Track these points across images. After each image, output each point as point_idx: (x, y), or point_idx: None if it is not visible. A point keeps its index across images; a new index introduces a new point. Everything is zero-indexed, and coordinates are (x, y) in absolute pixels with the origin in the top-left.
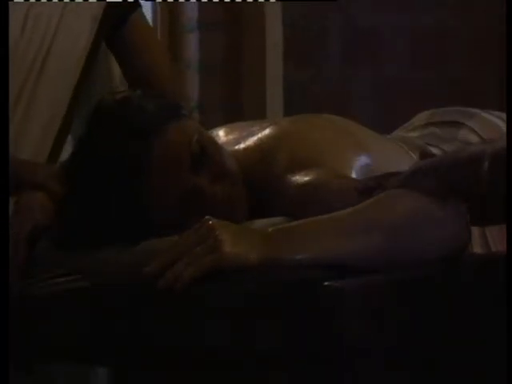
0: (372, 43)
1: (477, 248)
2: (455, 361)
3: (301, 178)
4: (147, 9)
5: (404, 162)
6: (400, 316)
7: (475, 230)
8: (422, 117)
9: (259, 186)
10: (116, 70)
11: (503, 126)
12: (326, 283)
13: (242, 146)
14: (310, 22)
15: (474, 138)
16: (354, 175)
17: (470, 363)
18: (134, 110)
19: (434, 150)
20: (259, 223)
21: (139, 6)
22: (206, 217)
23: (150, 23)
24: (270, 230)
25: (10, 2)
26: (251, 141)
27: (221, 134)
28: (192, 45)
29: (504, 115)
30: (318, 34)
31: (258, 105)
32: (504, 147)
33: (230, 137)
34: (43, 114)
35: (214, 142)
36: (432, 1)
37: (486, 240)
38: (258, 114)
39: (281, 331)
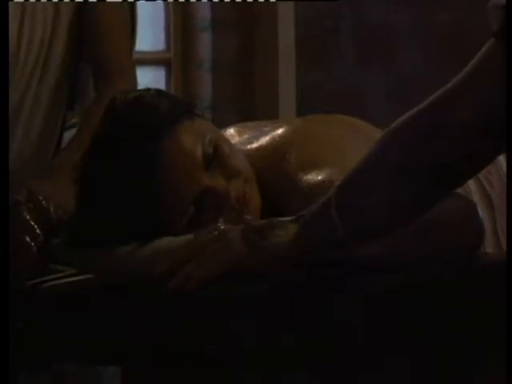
0: (385, 42)
1: (489, 247)
2: (463, 361)
3: (312, 178)
4: (160, 8)
5: None
6: (414, 315)
7: (488, 229)
8: None
9: (271, 186)
10: None
11: None
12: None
13: (253, 145)
14: (322, 22)
15: None
16: None
17: (477, 364)
18: (147, 110)
19: None
20: None
21: None
22: (220, 219)
23: (163, 22)
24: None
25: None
26: (263, 140)
27: (233, 134)
28: (205, 44)
29: None
30: (331, 34)
31: (271, 105)
32: (350, 175)
33: (242, 136)
34: (46, 112)
35: (226, 142)
36: None
37: (497, 239)
38: (271, 114)
39: (299, 331)
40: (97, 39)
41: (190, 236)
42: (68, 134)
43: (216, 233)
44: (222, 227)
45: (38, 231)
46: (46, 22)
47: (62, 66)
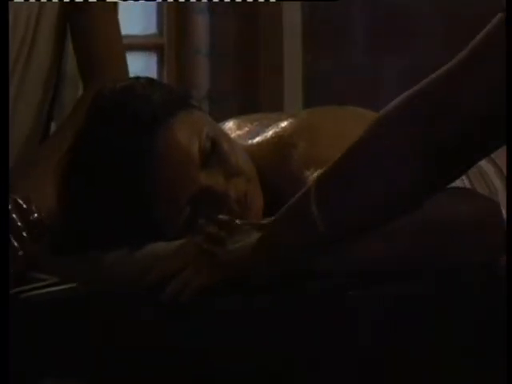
0: (401, 27)
1: None
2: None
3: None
4: None
5: None
6: (426, 326)
7: None
8: None
9: (274, 185)
10: None
11: None
12: (349, 293)
13: (255, 140)
14: (331, 5)
15: None
16: None
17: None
18: (138, 101)
19: None
20: None
21: None
22: (219, 219)
23: (155, 3)
24: None
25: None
26: (266, 135)
27: (233, 127)
28: (202, 27)
29: None
30: (341, 18)
31: (275, 95)
32: (334, 163)
33: (243, 130)
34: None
35: (225, 136)
36: None
37: None
38: (275, 106)
39: (299, 343)
40: (92, 33)
41: (184, 240)
42: None
43: (214, 235)
44: (221, 225)
45: (23, 235)
46: (29, 19)
47: (44, 64)
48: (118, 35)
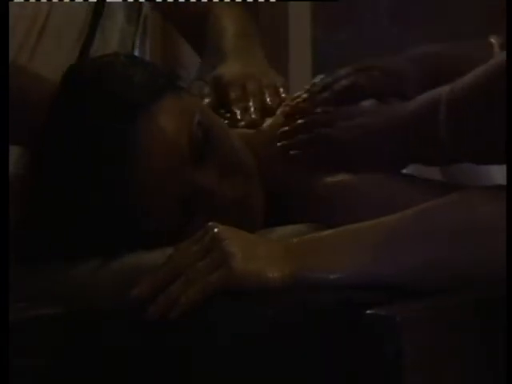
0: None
1: None
2: None
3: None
4: None
5: None
6: (465, 351)
7: None
8: None
9: (279, 182)
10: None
11: None
12: (369, 311)
13: (256, 130)
14: None
15: None
16: None
17: None
18: (117, 81)
19: None
20: (280, 232)
21: None
22: (210, 223)
23: None
24: (294, 240)
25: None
26: (268, 121)
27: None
28: None
29: None
30: None
31: (279, 74)
32: (465, 85)
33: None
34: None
35: (221, 125)
36: None
37: None
38: None
39: (309, 369)
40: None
41: (174, 248)
42: None
43: (206, 240)
44: (216, 230)
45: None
46: None
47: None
48: None
